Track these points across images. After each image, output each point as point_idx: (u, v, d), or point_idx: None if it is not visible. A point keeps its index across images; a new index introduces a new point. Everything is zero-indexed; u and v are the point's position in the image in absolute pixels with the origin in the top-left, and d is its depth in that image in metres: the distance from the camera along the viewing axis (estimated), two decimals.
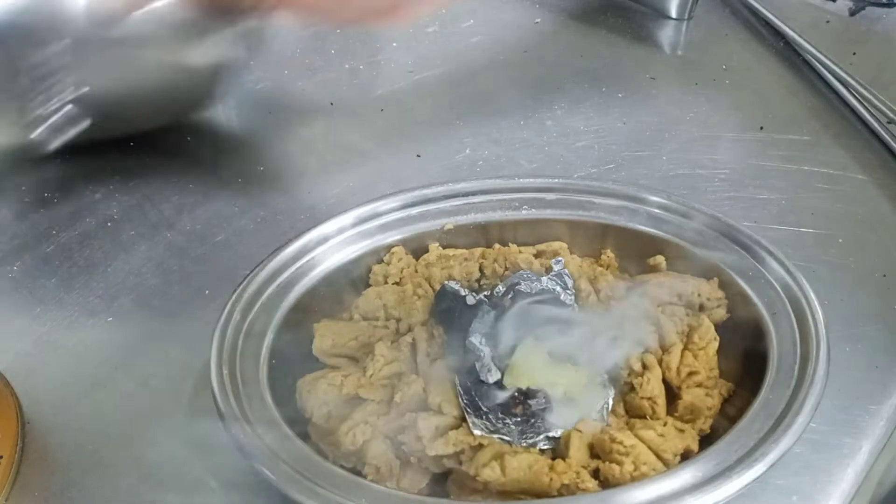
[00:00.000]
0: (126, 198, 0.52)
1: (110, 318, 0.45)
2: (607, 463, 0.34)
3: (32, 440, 0.39)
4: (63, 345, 0.44)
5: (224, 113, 0.58)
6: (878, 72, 0.60)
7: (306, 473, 0.33)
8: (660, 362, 0.38)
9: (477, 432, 0.35)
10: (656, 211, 0.44)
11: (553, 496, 0.33)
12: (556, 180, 0.45)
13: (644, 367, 0.38)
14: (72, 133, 0.43)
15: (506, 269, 0.43)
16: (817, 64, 0.60)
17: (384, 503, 0.31)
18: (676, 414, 0.37)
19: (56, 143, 0.43)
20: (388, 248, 0.44)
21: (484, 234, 0.45)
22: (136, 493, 0.37)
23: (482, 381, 0.37)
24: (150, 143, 0.55)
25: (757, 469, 0.32)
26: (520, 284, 0.41)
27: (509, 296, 0.40)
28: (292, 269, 0.41)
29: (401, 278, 0.43)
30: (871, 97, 0.57)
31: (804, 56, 0.62)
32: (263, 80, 0.60)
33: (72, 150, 0.45)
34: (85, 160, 0.53)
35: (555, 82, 0.60)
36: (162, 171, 0.54)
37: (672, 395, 0.38)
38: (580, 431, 0.35)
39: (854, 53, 0.62)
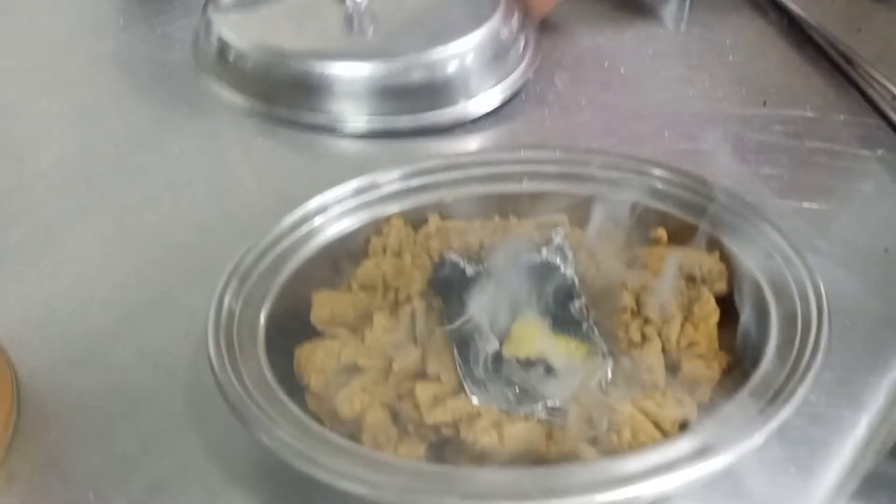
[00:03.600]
0: None
1: (107, 287, 0.45)
2: (605, 432, 0.34)
3: (28, 407, 0.39)
4: (59, 313, 0.44)
5: None
6: (883, 48, 0.59)
7: (304, 440, 0.32)
8: (659, 334, 0.38)
9: (475, 401, 0.35)
10: (658, 184, 0.43)
11: (551, 465, 0.33)
12: (558, 153, 0.45)
13: (643, 337, 0.37)
14: None
15: None
16: (821, 40, 0.60)
17: (381, 469, 0.31)
18: (675, 385, 0.37)
19: None
20: (388, 219, 0.43)
21: (484, 207, 0.44)
22: (132, 461, 0.37)
23: (481, 351, 0.37)
24: None
25: (755, 439, 0.32)
26: (520, 256, 0.41)
27: (509, 267, 0.40)
28: (290, 238, 0.41)
29: (399, 249, 0.42)
30: (876, 74, 0.56)
31: (808, 32, 0.61)
32: None
33: None
34: None
35: (556, 57, 0.60)
36: None
37: (671, 366, 0.37)
38: (578, 401, 0.35)
39: (859, 30, 0.61)
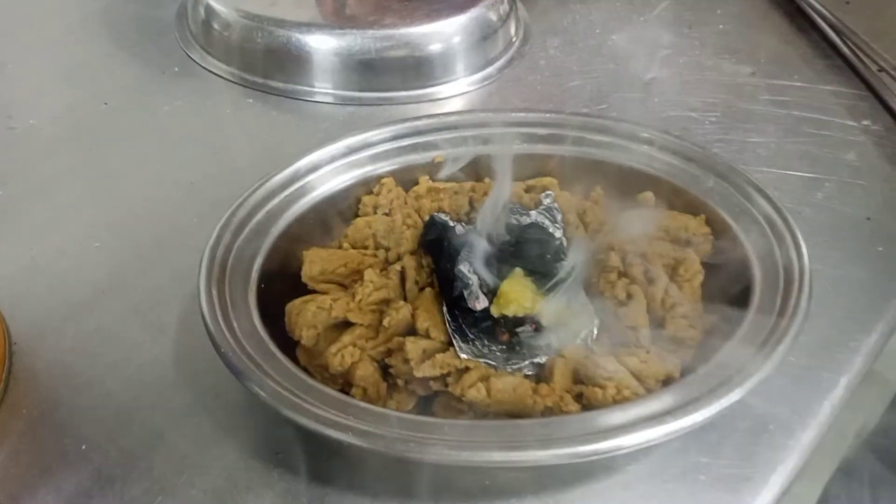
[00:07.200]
0: None
1: (97, 244, 0.45)
2: (590, 387, 0.35)
3: (20, 361, 0.39)
4: (50, 270, 0.44)
5: None
6: (871, 21, 0.60)
7: (294, 390, 0.33)
8: (645, 293, 0.38)
9: (463, 356, 0.36)
10: (646, 148, 0.44)
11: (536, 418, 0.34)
12: (549, 115, 0.45)
13: (629, 296, 0.38)
14: None
15: None
16: (811, 11, 0.60)
17: (371, 419, 0.32)
18: (659, 344, 0.37)
19: None
20: (379, 179, 0.44)
21: (474, 168, 0.45)
22: (125, 414, 0.37)
23: (470, 309, 0.37)
24: None
25: (735, 394, 0.33)
26: (509, 217, 0.41)
27: (498, 227, 0.41)
28: (282, 195, 0.41)
29: (390, 209, 0.43)
30: (863, 45, 0.57)
31: (798, 3, 0.61)
32: None
33: None
34: None
35: (548, 23, 0.60)
36: None
37: (656, 325, 0.38)
38: (564, 357, 0.36)
39: (847, 2, 0.62)
